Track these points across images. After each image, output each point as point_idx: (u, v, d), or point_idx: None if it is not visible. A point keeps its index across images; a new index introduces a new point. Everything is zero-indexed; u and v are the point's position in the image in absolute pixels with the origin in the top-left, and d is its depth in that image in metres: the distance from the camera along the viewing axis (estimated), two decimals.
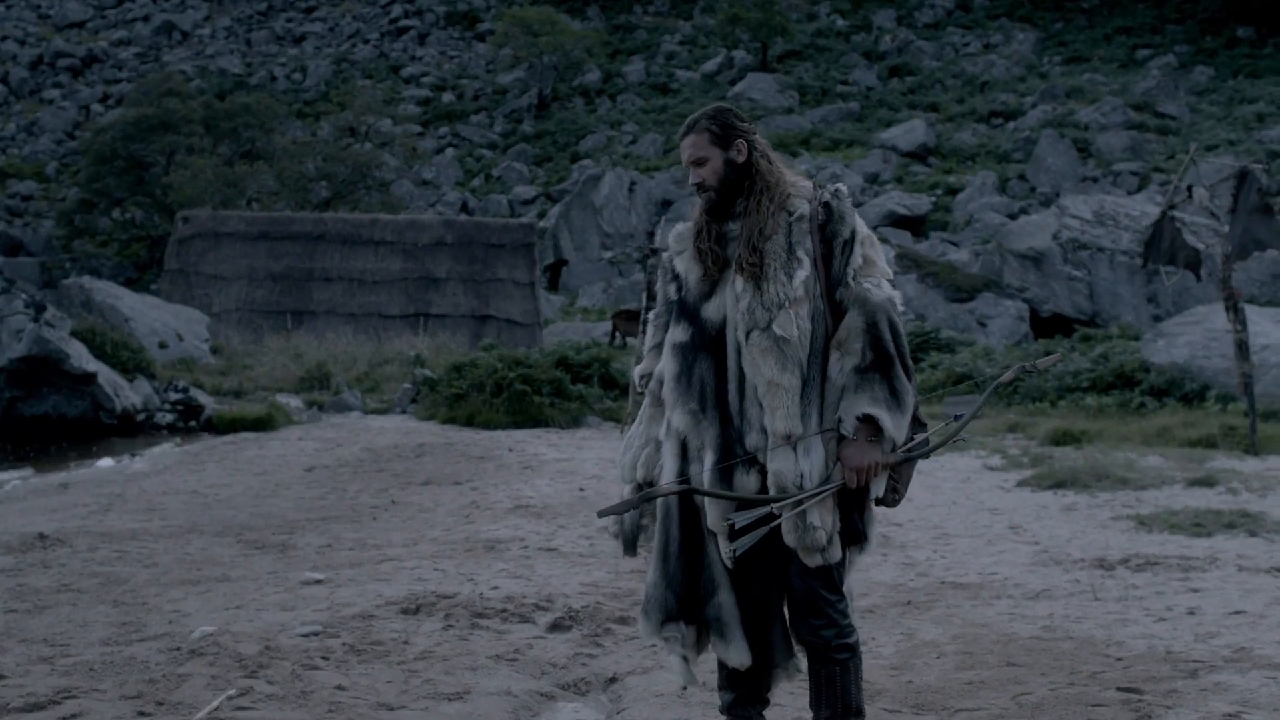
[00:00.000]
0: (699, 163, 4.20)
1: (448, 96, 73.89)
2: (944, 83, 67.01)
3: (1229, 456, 14.80)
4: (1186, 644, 5.97)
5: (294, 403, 23.32)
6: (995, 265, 32.40)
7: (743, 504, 3.95)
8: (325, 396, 24.21)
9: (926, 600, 7.16)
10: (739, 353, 4.04)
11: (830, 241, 4.08)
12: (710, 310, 4.12)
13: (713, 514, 4.04)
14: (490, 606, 6.78)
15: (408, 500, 11.92)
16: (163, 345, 26.67)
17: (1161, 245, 16.21)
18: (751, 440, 4.00)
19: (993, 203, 47.63)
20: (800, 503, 3.91)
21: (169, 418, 21.68)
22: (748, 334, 4.00)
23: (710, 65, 72.24)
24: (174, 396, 22.19)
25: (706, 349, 4.10)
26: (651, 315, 4.41)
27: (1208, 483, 11.75)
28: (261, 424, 20.85)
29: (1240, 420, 17.63)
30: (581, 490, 12.34)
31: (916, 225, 46.87)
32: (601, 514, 3.97)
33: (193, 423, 21.63)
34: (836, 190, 4.17)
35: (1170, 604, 6.85)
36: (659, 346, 4.32)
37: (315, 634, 6.24)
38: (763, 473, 4.01)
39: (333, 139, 57.82)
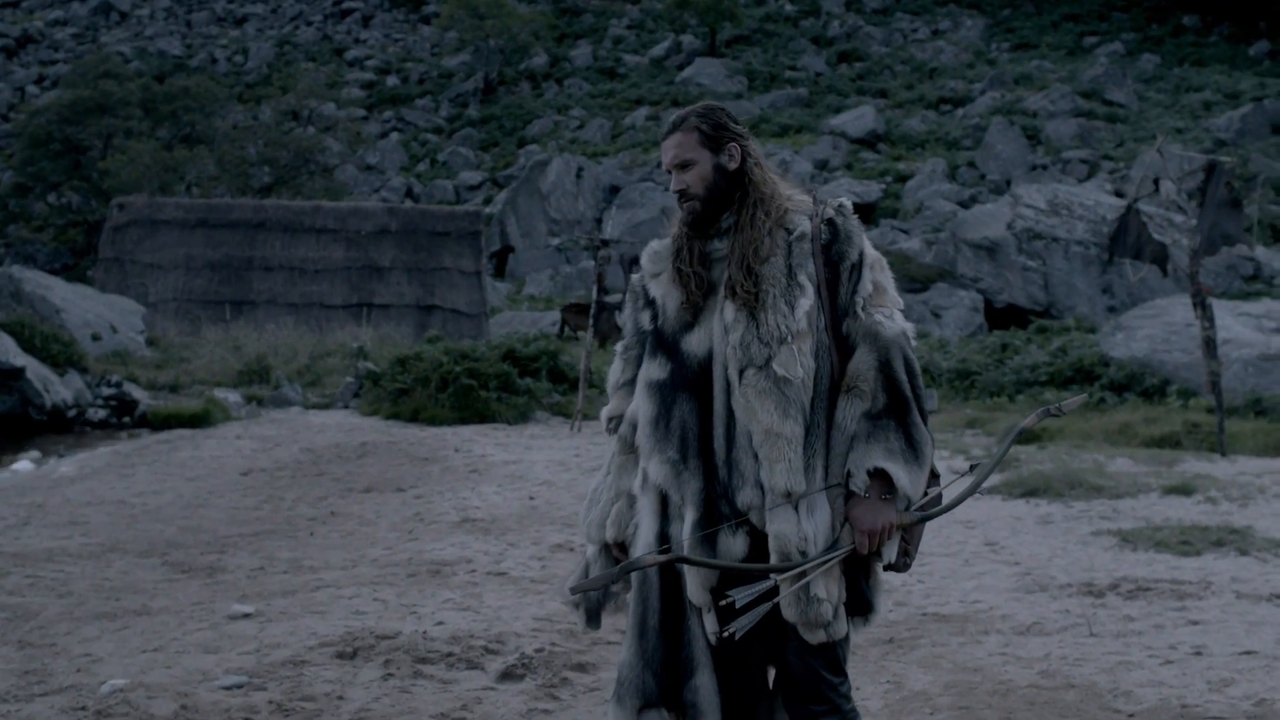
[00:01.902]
0: (684, 166, 3.58)
1: (392, 80, 72.84)
2: (893, 69, 66.66)
3: (1198, 458, 14.41)
4: (1200, 694, 5.44)
5: (232, 397, 22.52)
6: (949, 255, 32.01)
7: (735, 574, 3.36)
8: (265, 391, 23.44)
9: (909, 636, 6.61)
10: (728, 393, 3.43)
11: (835, 265, 3.47)
12: (692, 343, 3.50)
13: (693, 584, 3.43)
14: (434, 649, 6.15)
15: (347, 511, 11.27)
16: (95, 337, 25.77)
17: (1127, 239, 15.78)
18: (745, 497, 3.39)
19: (943, 190, 47.32)
20: (805, 573, 3.32)
21: (102, 414, 20.86)
22: (741, 372, 3.39)
23: (658, 50, 71.57)
24: (107, 392, 21.35)
25: (688, 388, 3.48)
26: (619, 347, 3.78)
27: (1185, 490, 11.31)
28: (198, 420, 20.07)
29: (1203, 417, 17.29)
30: (531, 499, 11.72)
31: (867, 213, 46.34)
32: (574, 590, 3.35)
33: (126, 419, 20.81)
34: (841, 205, 3.57)
35: (1173, 641, 6.34)
36: (630, 384, 3.70)
37: (239, 686, 5.61)
38: (752, 534, 3.41)
39: (275, 123, 56.62)
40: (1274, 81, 58.32)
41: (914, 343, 3.51)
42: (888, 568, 3.53)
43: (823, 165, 52.21)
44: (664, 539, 3.49)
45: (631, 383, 3.69)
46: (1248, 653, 6.07)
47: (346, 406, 22.44)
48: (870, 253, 3.52)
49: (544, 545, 9.18)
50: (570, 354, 23.32)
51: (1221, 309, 20.42)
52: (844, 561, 3.41)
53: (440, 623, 6.77)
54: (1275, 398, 18.18)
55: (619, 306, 27.85)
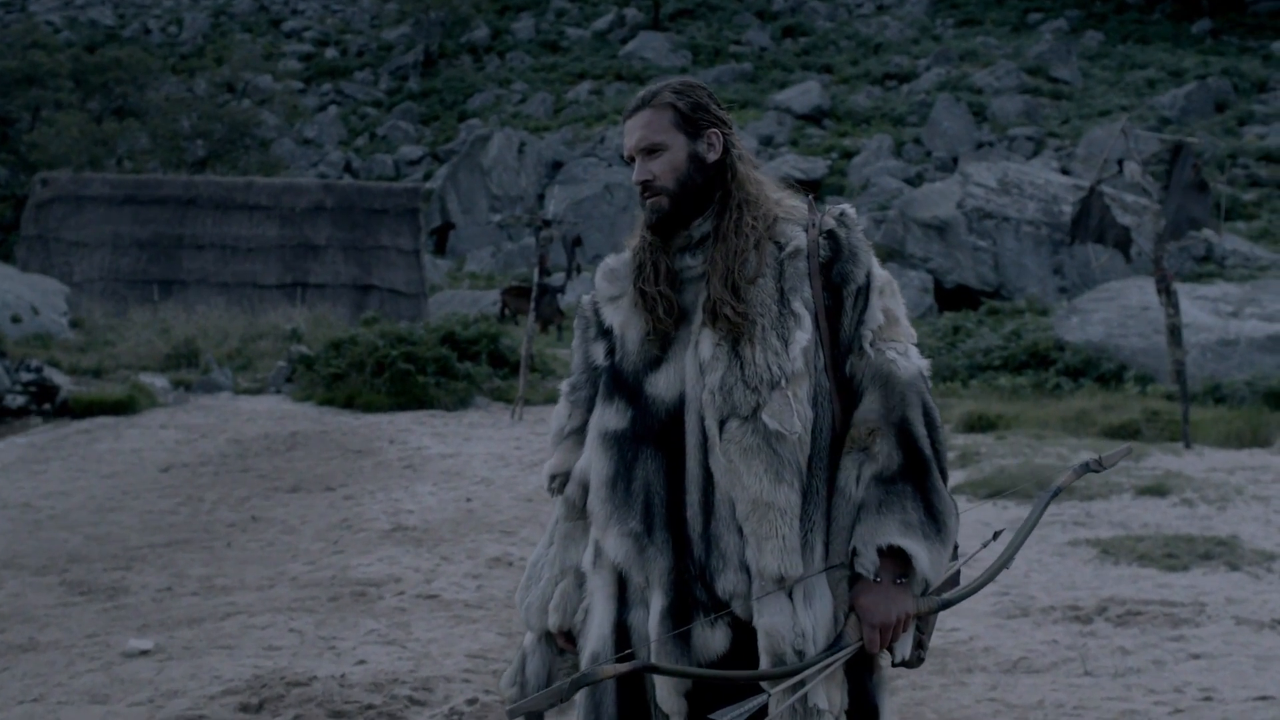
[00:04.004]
0: (651, 151, 2.82)
1: (331, 52, 71.58)
2: (838, 44, 66.11)
3: (1163, 450, 13.85)
4: None
5: (159, 383, 21.59)
6: (898, 234, 31.44)
7: (717, 684, 2.66)
8: (193, 376, 22.50)
9: (887, 675, 5.94)
10: (704, 449, 2.70)
11: (838, 289, 2.75)
12: (659, 384, 2.76)
13: (665, 690, 2.72)
14: (352, 699, 5.41)
15: (270, 515, 10.48)
16: (15, 319, 24.75)
17: (1090, 223, 15.20)
18: (726, 582, 2.66)
19: (889, 166, 46.86)
20: (803, 680, 2.62)
21: (20, 400, 19.87)
22: (722, 424, 2.66)
23: (601, 23, 70.69)
24: (26, 377, 20.35)
25: (653, 441, 2.74)
26: (565, 386, 3.02)
27: (1159, 491, 10.72)
28: (122, 407, 19.15)
29: (1162, 404, 16.83)
30: (468, 500, 10.98)
31: (812, 189, 45.79)
32: (513, 714, 2.60)
33: (47, 406, 19.86)
34: (843, 214, 2.84)
35: (1177, 682, 5.71)
36: (578, 433, 2.94)
37: None
38: (734, 626, 2.69)
39: (209, 96, 55.47)
40: (1217, 59, 58.27)
41: (930, 383, 2.82)
42: (900, 663, 2.86)
43: (768, 141, 51.61)
44: (623, 631, 2.77)
45: (580, 431, 2.94)
46: (1263, 698, 5.45)
47: (279, 392, 21.56)
48: (879, 273, 2.79)
49: (480, 559, 8.45)
50: (511, 336, 22.59)
51: (1178, 293, 19.98)
52: (849, 661, 2.72)
53: (361, 661, 6.03)
54: (1234, 384, 17.75)
55: (561, 288, 27.15)
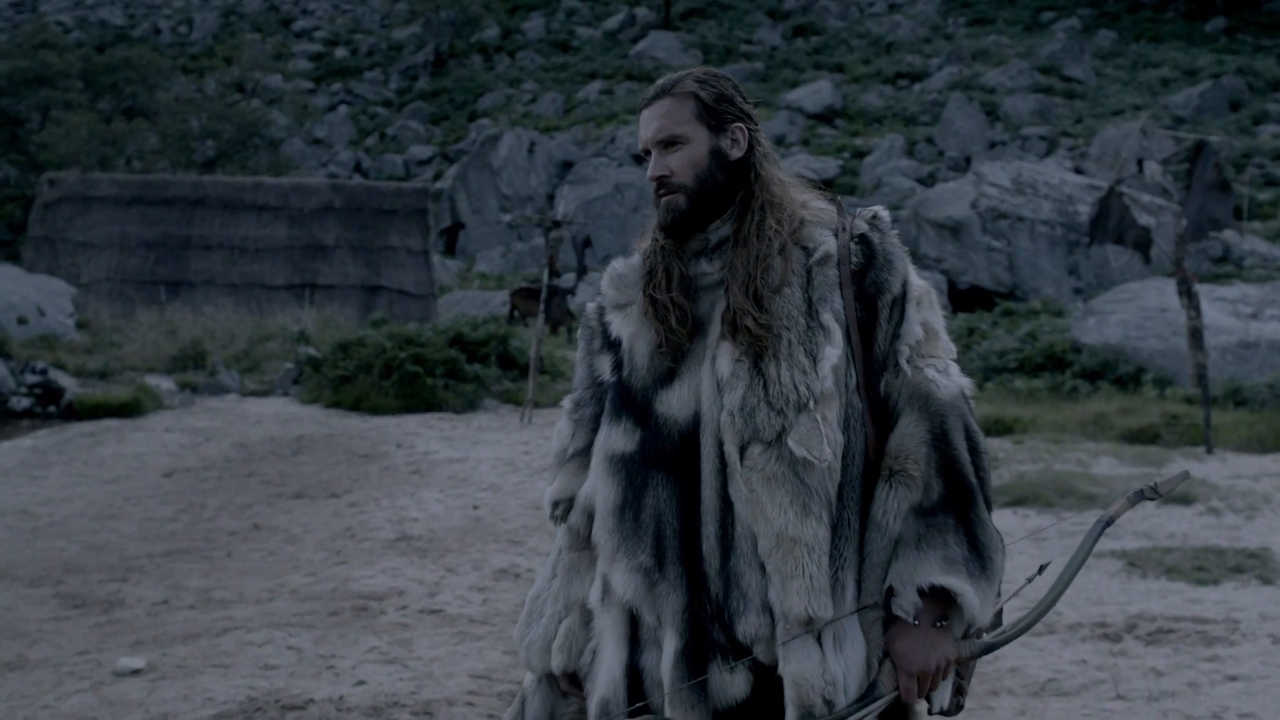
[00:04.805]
0: (669, 144, 2.56)
1: (341, 52, 71.40)
2: (849, 43, 65.77)
3: (1184, 456, 13.59)
4: None
5: (165, 384, 21.41)
6: (911, 235, 31.12)
7: None
8: (200, 377, 22.31)
9: None
10: (723, 476, 2.43)
11: (872, 299, 2.50)
12: (671, 403, 2.49)
13: None
14: None
15: (273, 523, 10.24)
16: (21, 321, 24.56)
17: (1109, 223, 14.92)
18: (747, 625, 2.39)
19: (901, 166, 46.53)
20: None
21: (26, 402, 19.72)
22: (743, 449, 2.39)
23: (612, 23, 70.42)
24: (32, 379, 20.21)
25: (665, 466, 2.48)
26: (567, 404, 2.75)
27: (1183, 499, 10.44)
28: (127, 410, 18.95)
29: (1182, 408, 16.55)
30: (475, 509, 10.72)
31: (824, 189, 45.53)
32: None
33: (52, 408, 19.69)
34: (875, 217, 2.59)
35: (1215, 707, 5.44)
36: (582, 455, 2.67)
37: None
38: (756, 670, 2.43)
39: (219, 95, 55.26)
40: (1231, 58, 57.86)
41: (973, 403, 2.56)
42: (937, 713, 2.59)
43: (779, 141, 51.29)
44: (635, 674, 2.51)
45: (585, 453, 2.66)
46: None
47: (286, 394, 21.34)
48: (916, 283, 2.54)
49: (486, 571, 8.19)
50: (521, 338, 22.35)
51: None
52: (884, 711, 2.46)
53: (361, 682, 5.78)
54: (1255, 387, 17.45)
55: (571, 290, 26.90)
